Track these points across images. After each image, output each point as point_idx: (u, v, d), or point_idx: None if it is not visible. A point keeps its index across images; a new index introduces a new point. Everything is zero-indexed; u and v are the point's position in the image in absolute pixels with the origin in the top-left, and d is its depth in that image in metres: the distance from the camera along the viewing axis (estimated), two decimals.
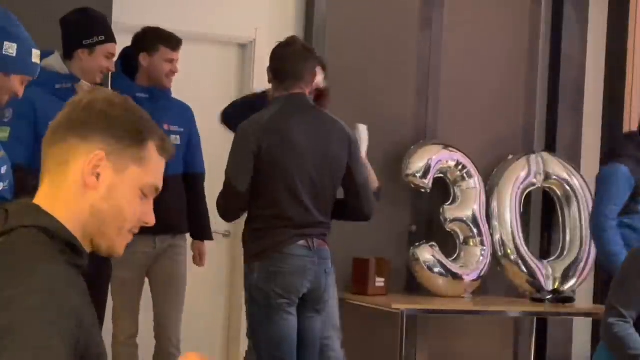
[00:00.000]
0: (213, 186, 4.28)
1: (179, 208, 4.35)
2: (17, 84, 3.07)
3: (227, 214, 3.89)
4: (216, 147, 4.58)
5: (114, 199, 1.62)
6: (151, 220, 1.67)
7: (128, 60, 4.41)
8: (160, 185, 1.68)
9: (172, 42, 4.40)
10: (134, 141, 1.63)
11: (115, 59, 4.08)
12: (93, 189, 1.61)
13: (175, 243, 4.39)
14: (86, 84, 3.89)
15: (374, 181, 4.30)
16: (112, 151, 1.62)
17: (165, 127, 4.30)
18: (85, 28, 4.00)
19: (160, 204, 1.79)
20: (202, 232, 4.52)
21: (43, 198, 1.62)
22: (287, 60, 3.89)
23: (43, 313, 1.44)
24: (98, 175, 1.61)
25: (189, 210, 4.41)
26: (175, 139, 4.33)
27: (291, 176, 3.77)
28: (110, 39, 4.01)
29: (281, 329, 3.73)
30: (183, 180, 4.40)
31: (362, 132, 4.36)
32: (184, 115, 4.45)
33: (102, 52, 3.97)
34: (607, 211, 4.62)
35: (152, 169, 1.65)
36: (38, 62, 3.14)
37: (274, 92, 3.95)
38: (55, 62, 3.95)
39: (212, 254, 4.74)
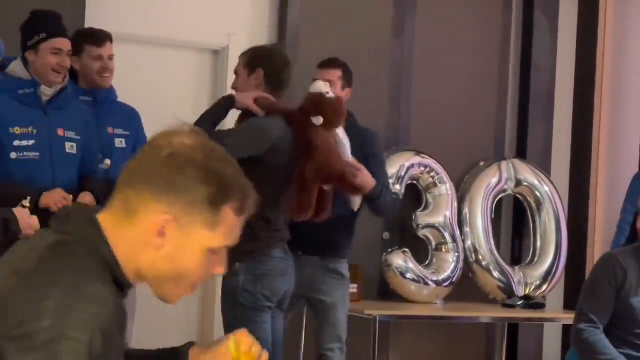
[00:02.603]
0: None
1: None
2: None
3: None
4: None
5: (176, 261, 1.58)
6: (219, 271, 1.63)
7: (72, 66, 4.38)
8: (234, 243, 1.62)
9: (96, 38, 4.30)
10: (207, 209, 1.57)
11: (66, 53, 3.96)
12: (156, 248, 1.57)
13: None
14: None
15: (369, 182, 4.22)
16: (182, 217, 1.56)
17: (110, 130, 4.27)
18: (27, 30, 3.95)
19: None
20: None
21: (106, 223, 1.60)
22: (286, 69, 3.94)
23: (81, 335, 1.44)
24: (164, 234, 1.56)
25: None
26: (120, 143, 4.29)
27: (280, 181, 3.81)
28: (54, 34, 3.92)
29: (264, 332, 3.74)
30: None
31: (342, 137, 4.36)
32: (129, 118, 4.38)
33: (46, 49, 3.90)
34: None
35: (224, 231, 1.58)
36: None
37: (264, 91, 3.95)
38: (18, 67, 3.92)
39: None
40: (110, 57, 4.33)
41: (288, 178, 3.83)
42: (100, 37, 4.31)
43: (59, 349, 1.43)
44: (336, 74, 4.50)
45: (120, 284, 1.58)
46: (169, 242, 1.57)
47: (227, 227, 1.59)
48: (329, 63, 4.54)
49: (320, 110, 3.87)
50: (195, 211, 1.56)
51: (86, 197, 3.89)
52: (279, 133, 3.78)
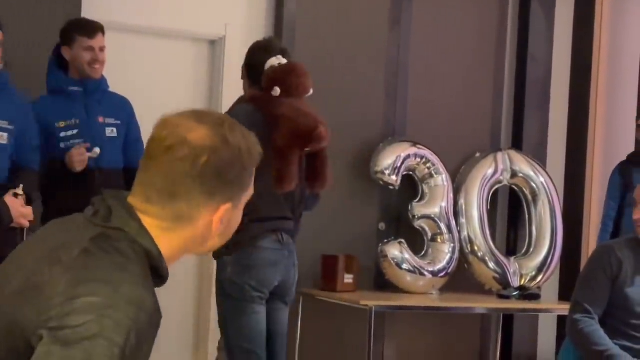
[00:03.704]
0: None
1: None
2: None
3: None
4: None
5: (229, 230, 1.71)
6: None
7: (62, 55, 4.35)
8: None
9: (88, 29, 4.28)
10: (249, 183, 1.69)
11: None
12: (215, 232, 1.67)
13: None
14: None
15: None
16: (237, 199, 1.68)
17: (100, 119, 4.27)
18: None
19: None
20: None
21: (151, 228, 1.63)
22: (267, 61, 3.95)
23: (116, 333, 1.46)
24: (224, 221, 1.67)
25: None
26: (111, 132, 4.29)
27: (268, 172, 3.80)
28: None
29: (253, 322, 3.76)
30: (123, 174, 4.28)
31: None
32: (121, 108, 4.37)
33: None
34: None
35: (251, 184, 1.72)
36: None
37: (248, 89, 3.96)
38: None
39: None
40: (102, 49, 4.31)
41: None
42: (91, 29, 4.29)
43: (94, 347, 1.44)
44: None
45: (160, 275, 1.63)
46: (226, 222, 1.67)
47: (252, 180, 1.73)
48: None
49: (275, 80, 3.86)
50: (245, 189, 1.68)
51: (17, 190, 3.84)
52: (247, 118, 3.73)
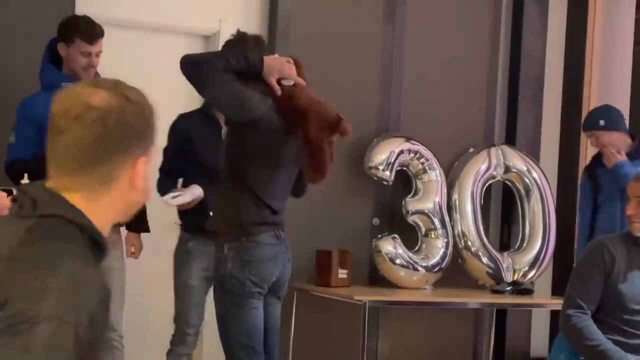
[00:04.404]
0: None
1: None
2: None
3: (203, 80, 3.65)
4: None
5: (147, 184, 1.74)
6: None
7: (57, 50, 4.33)
8: None
9: (89, 35, 4.25)
10: (155, 135, 1.75)
11: None
12: (138, 188, 1.71)
13: (110, 237, 4.34)
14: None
15: None
16: (147, 152, 1.72)
17: None
18: None
19: None
20: (137, 225, 4.51)
21: (77, 202, 1.66)
22: (256, 48, 3.93)
23: (66, 313, 1.49)
24: (143, 174, 1.72)
25: None
26: None
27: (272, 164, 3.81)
28: None
29: (253, 318, 3.76)
30: None
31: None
32: None
33: None
34: None
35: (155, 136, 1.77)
36: None
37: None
38: None
39: (167, 245, 4.71)
40: (98, 54, 4.31)
41: (280, 161, 3.83)
42: (93, 35, 4.27)
43: (47, 330, 1.46)
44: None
45: (101, 248, 1.67)
46: (144, 176, 1.72)
47: None
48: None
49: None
50: (153, 140, 1.73)
51: None
52: (263, 109, 3.74)
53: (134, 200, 1.73)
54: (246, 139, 3.75)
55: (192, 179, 4.45)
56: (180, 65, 3.69)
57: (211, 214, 3.94)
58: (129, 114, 1.67)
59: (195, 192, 4.36)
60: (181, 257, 4.51)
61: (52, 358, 1.45)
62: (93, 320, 1.51)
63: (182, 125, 4.50)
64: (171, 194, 4.33)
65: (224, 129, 4.39)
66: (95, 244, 1.65)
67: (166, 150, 4.51)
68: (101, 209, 1.68)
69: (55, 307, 1.48)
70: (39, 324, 1.46)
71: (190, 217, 4.47)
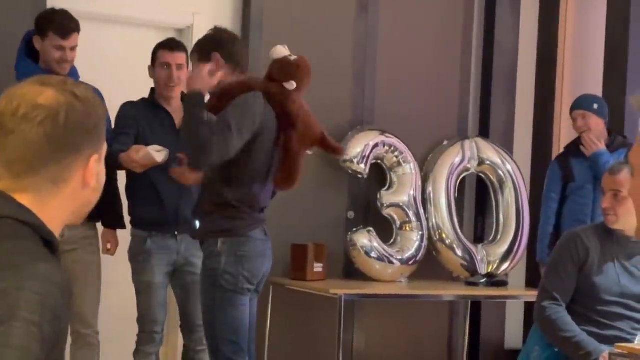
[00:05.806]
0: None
1: None
2: None
3: (207, 157, 3.63)
4: None
5: (100, 182, 1.72)
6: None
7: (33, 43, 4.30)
8: None
9: (62, 29, 4.23)
10: (104, 132, 1.73)
11: None
12: (90, 187, 1.70)
13: (85, 233, 4.35)
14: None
15: None
16: (98, 149, 1.71)
17: None
18: None
19: None
20: (114, 221, 4.48)
21: (27, 203, 1.64)
22: (237, 42, 3.92)
23: (31, 315, 1.47)
24: (96, 173, 1.71)
25: (101, 198, 4.33)
26: None
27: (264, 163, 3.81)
28: None
29: (241, 315, 3.73)
30: None
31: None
32: None
33: None
34: None
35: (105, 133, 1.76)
36: None
37: (226, 76, 3.86)
38: None
39: None
40: (73, 48, 4.27)
41: (272, 163, 3.82)
42: (67, 29, 4.24)
43: (11, 330, 1.45)
44: (182, 57, 4.47)
45: (52, 248, 1.64)
46: (96, 175, 1.71)
47: None
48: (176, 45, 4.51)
49: (291, 74, 3.80)
50: (103, 138, 1.72)
51: None
52: (261, 109, 3.73)
53: (87, 199, 1.71)
54: (252, 147, 3.72)
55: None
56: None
57: (198, 224, 3.85)
58: (77, 112, 1.65)
59: (165, 156, 4.26)
60: (140, 257, 4.40)
61: (19, 359, 1.44)
62: (56, 315, 1.50)
63: (130, 112, 4.45)
64: (155, 146, 4.25)
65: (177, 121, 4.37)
66: (47, 244, 1.62)
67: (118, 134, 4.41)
68: (54, 209, 1.65)
69: (18, 307, 1.46)
70: (2, 325, 1.45)
71: (142, 211, 4.40)
